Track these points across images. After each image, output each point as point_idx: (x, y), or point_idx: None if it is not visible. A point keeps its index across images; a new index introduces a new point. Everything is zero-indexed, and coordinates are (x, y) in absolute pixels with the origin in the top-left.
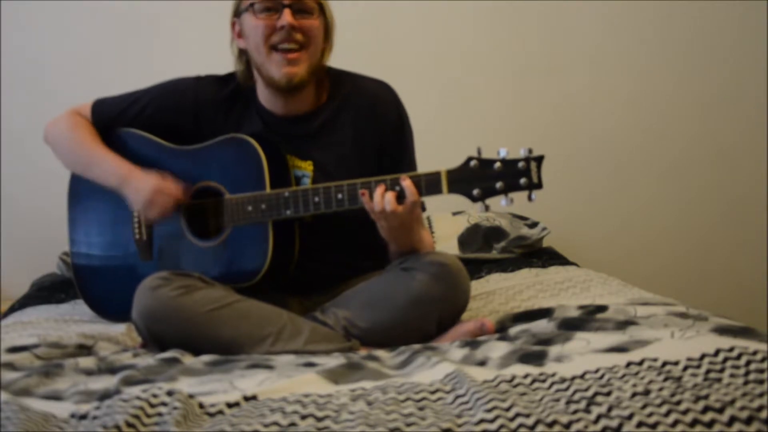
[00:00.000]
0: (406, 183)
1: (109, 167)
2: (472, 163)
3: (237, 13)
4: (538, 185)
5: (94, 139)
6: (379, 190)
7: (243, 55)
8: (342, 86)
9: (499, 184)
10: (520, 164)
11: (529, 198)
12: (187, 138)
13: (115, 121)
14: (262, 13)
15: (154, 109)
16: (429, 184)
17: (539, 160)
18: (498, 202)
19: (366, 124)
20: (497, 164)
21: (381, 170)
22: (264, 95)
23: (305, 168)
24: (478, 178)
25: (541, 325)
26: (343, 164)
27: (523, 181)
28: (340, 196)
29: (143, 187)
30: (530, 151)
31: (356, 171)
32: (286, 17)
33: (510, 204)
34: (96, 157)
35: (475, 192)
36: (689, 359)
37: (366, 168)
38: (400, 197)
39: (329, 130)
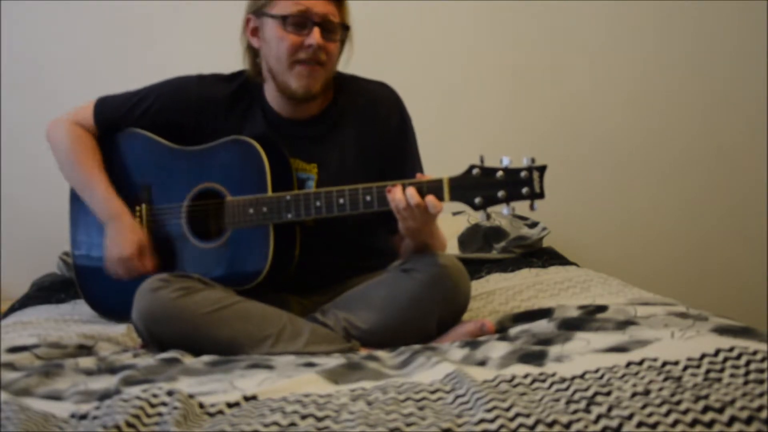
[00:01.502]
0: (410, 191)
1: (99, 201)
2: (475, 171)
3: (256, 12)
4: (540, 195)
5: (93, 160)
6: (397, 190)
7: (252, 50)
8: (345, 89)
9: (501, 193)
10: (523, 173)
11: (531, 207)
12: (189, 136)
13: (117, 120)
14: (291, 28)
15: (156, 108)
16: (431, 192)
17: (542, 169)
18: (500, 211)
19: (369, 126)
20: (499, 173)
21: (385, 172)
22: (272, 96)
23: (310, 171)
24: (480, 186)
25: (541, 325)
26: (347, 167)
27: (525, 190)
28: (341, 201)
29: (120, 245)
30: (533, 160)
31: (360, 173)
32: (316, 37)
33: (512, 212)
34: (90, 184)
35: (477, 200)
36: (689, 359)
37: (370, 170)
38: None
39: (333, 133)
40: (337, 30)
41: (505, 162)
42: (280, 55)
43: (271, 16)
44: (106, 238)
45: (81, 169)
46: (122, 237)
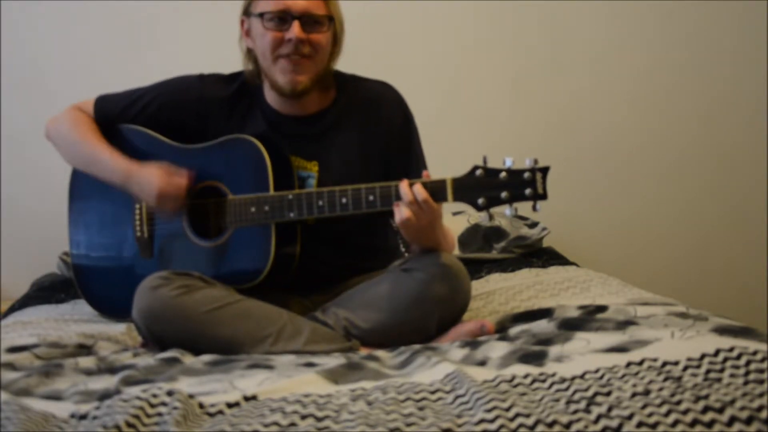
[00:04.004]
0: (417, 187)
1: (109, 165)
2: (478, 172)
3: (246, 13)
4: (543, 196)
5: (95, 135)
6: (404, 186)
7: (251, 53)
8: (347, 88)
9: (504, 194)
10: (526, 175)
11: (534, 208)
12: (190, 136)
13: (118, 117)
14: (271, 23)
15: (157, 106)
16: (434, 192)
17: (545, 171)
18: (502, 211)
19: (371, 125)
20: (503, 174)
21: (388, 171)
22: (271, 95)
23: (310, 169)
24: (483, 187)
25: (541, 325)
26: (349, 166)
27: (528, 191)
28: (344, 200)
29: (149, 184)
30: (536, 161)
31: (362, 172)
32: (295, 31)
33: (514, 213)
34: (96, 154)
35: (480, 201)
36: (689, 359)
37: (372, 169)
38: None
39: (335, 132)
40: (322, 22)
41: (508, 163)
42: (264, 51)
43: (254, 15)
44: (136, 195)
45: (85, 143)
46: (145, 181)
